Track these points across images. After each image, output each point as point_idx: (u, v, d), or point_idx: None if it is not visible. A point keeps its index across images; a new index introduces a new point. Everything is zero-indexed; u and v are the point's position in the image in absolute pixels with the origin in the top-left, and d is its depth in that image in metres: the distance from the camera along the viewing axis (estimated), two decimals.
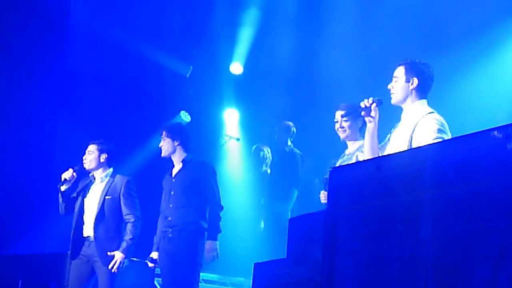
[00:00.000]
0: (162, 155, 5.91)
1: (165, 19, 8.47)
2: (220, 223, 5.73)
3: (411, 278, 2.17)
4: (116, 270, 5.56)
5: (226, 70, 8.97)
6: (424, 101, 4.24)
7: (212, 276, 7.74)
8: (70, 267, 5.71)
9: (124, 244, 5.63)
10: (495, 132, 2.03)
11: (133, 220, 5.71)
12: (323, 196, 4.97)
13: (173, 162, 5.91)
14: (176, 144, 5.86)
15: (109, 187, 5.82)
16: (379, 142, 4.30)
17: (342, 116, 4.97)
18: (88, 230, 5.73)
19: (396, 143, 4.19)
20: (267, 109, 8.68)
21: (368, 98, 4.19)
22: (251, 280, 2.99)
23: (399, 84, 4.25)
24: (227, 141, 8.93)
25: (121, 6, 8.20)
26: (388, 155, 3.83)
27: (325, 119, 6.01)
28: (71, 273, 5.70)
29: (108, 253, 5.59)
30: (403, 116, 4.28)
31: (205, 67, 8.92)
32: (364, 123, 4.37)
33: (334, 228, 2.48)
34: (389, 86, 4.30)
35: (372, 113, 4.19)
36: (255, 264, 2.89)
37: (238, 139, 8.91)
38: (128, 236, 5.66)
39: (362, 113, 4.21)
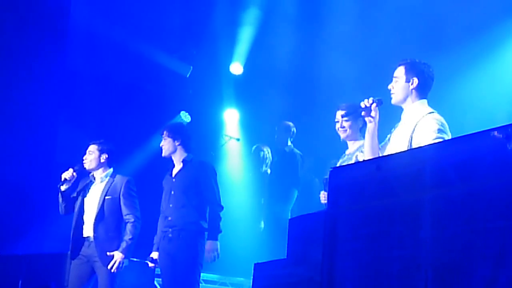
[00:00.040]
0: (163, 154, 5.91)
1: (165, 19, 8.47)
2: (221, 223, 5.73)
3: (411, 278, 2.17)
4: (115, 270, 5.55)
5: (226, 70, 8.97)
6: (424, 101, 4.24)
7: (212, 276, 7.74)
8: (70, 267, 5.71)
9: (123, 244, 5.63)
10: (495, 132, 2.03)
11: (132, 220, 5.71)
12: (323, 196, 4.98)
13: (173, 162, 5.91)
14: (177, 144, 5.86)
15: (109, 187, 5.82)
16: (379, 142, 4.30)
17: (343, 116, 4.98)
18: (88, 230, 5.73)
19: (396, 143, 4.19)
20: (267, 109, 8.68)
21: (368, 98, 4.19)
22: (251, 280, 2.98)
23: (399, 84, 4.25)
24: (227, 141, 8.93)
25: (121, 6, 8.20)
26: (388, 155, 3.83)
27: (325, 119, 6.01)
28: (71, 273, 5.70)
29: (108, 253, 5.59)
30: (403, 116, 4.28)
31: (205, 67, 8.92)
32: (365, 123, 4.37)
33: (334, 228, 2.48)
34: (389, 86, 4.30)
35: (372, 113, 4.19)
36: (255, 264, 2.89)
37: (238, 139, 8.91)
38: (127, 236, 5.66)
39: (362, 113, 4.21)
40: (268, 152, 7.99)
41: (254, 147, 8.16)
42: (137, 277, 6.34)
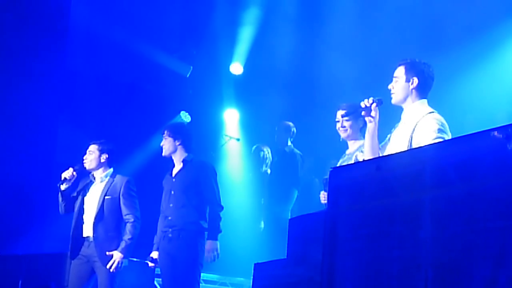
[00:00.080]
0: (163, 154, 5.91)
1: (165, 19, 8.47)
2: (220, 223, 5.73)
3: (411, 278, 2.17)
4: (114, 270, 5.55)
5: (226, 70, 8.97)
6: (425, 100, 4.24)
7: (212, 276, 7.74)
8: (70, 267, 5.71)
9: (123, 244, 5.63)
10: (495, 133, 2.03)
11: (132, 220, 5.71)
12: (323, 196, 4.98)
13: (173, 162, 5.91)
14: (177, 143, 5.86)
15: (109, 187, 5.82)
16: (380, 142, 4.30)
17: (343, 116, 4.98)
18: (87, 230, 5.73)
19: (396, 143, 4.19)
20: (267, 109, 8.68)
21: (368, 98, 4.19)
22: (251, 280, 2.99)
23: (399, 84, 4.25)
24: (227, 141, 8.92)
25: (121, 6, 8.20)
26: (388, 155, 3.83)
27: (325, 119, 6.01)
28: (71, 273, 5.70)
29: (107, 253, 5.59)
30: (403, 116, 4.28)
31: (205, 67, 8.92)
32: (365, 123, 4.37)
33: (334, 228, 2.48)
34: (390, 86, 4.30)
35: (372, 113, 4.19)
36: (255, 264, 2.89)
37: (238, 139, 8.91)
38: (127, 236, 5.66)
39: (363, 113, 4.21)
40: (268, 152, 7.99)
41: (254, 147, 8.15)
42: (137, 277, 6.34)
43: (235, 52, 8.87)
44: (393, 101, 4.30)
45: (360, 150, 4.84)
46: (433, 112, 4.15)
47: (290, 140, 7.65)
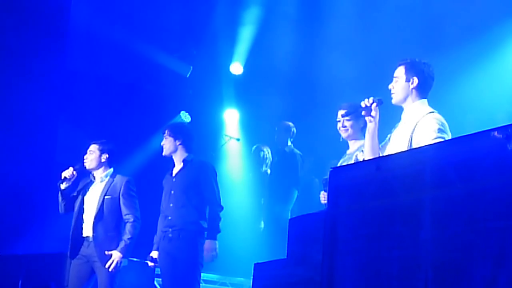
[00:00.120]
0: (164, 153, 5.91)
1: (165, 19, 8.47)
2: (220, 223, 5.73)
3: (411, 278, 2.17)
4: (113, 270, 5.55)
5: (226, 70, 8.97)
6: (425, 100, 4.24)
7: (212, 276, 7.74)
8: (70, 267, 5.71)
9: (122, 244, 5.63)
10: (495, 133, 2.03)
11: (132, 220, 5.71)
12: (323, 196, 4.98)
13: (173, 162, 5.91)
14: (178, 143, 5.87)
15: (109, 187, 5.82)
16: (380, 141, 4.30)
17: (344, 116, 4.98)
18: (87, 230, 5.73)
19: (397, 143, 4.20)
20: (267, 109, 8.68)
21: (368, 98, 4.20)
22: (251, 280, 2.99)
23: (400, 83, 4.26)
24: (227, 141, 8.92)
25: (121, 6, 8.20)
26: (388, 155, 3.83)
27: (325, 119, 6.01)
28: (71, 273, 5.70)
29: (106, 252, 5.59)
30: (403, 115, 4.28)
31: (205, 67, 8.92)
32: (366, 123, 4.37)
33: (334, 228, 2.48)
34: (390, 86, 4.31)
35: (373, 113, 4.19)
36: (255, 264, 2.89)
37: (238, 139, 8.91)
38: (126, 236, 5.66)
39: (363, 112, 4.21)
40: (268, 152, 7.99)
41: (254, 147, 8.16)
42: (137, 277, 6.34)
43: (235, 52, 8.87)
44: (393, 101, 4.30)
45: (360, 150, 4.85)
46: (433, 112, 4.15)
47: (290, 140, 7.65)
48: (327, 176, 3.31)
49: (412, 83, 4.22)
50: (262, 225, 7.82)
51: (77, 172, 5.84)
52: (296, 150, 7.58)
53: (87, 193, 5.87)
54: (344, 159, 5.09)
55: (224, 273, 7.86)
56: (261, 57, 8.78)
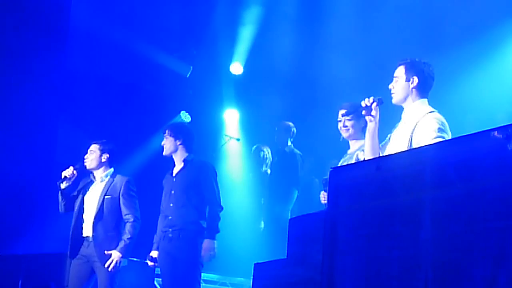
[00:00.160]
0: (164, 153, 5.91)
1: (165, 19, 8.46)
2: (219, 223, 5.72)
3: (411, 279, 2.17)
4: (112, 269, 5.55)
5: (226, 70, 8.97)
6: (425, 100, 4.25)
7: (212, 276, 7.73)
8: (70, 267, 5.71)
9: (121, 244, 5.63)
10: (496, 133, 2.03)
11: (132, 220, 5.71)
12: (323, 196, 4.98)
13: (174, 162, 5.91)
14: (178, 143, 5.87)
15: (109, 187, 5.82)
16: (380, 141, 4.30)
17: (344, 115, 4.98)
18: (87, 229, 5.73)
19: (397, 142, 4.20)
20: (267, 109, 8.67)
21: (368, 98, 4.20)
22: (251, 280, 2.99)
23: (400, 83, 4.26)
24: (227, 141, 8.92)
25: (121, 6, 8.20)
26: (388, 155, 3.83)
27: (325, 119, 6.02)
28: (71, 273, 5.70)
29: (106, 252, 5.59)
30: (403, 115, 4.28)
31: (205, 67, 8.92)
32: (367, 123, 4.37)
33: (334, 228, 2.48)
34: (390, 86, 4.31)
35: (373, 112, 4.19)
36: (255, 264, 2.89)
37: (238, 139, 8.91)
38: (126, 236, 5.66)
39: (363, 112, 4.21)
40: (268, 152, 7.99)
41: (254, 147, 8.15)
42: (137, 277, 6.34)
43: (235, 52, 8.87)
44: (393, 101, 4.30)
45: (361, 150, 4.84)
46: (433, 111, 4.15)
47: (290, 140, 7.64)
48: (327, 176, 3.31)
49: (412, 83, 4.22)
50: (262, 225, 7.82)
51: (77, 172, 5.84)
52: (296, 150, 7.58)
53: (87, 193, 5.87)
54: (345, 158, 5.09)
55: (224, 273, 7.86)
56: (261, 57, 8.77)
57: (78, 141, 6.61)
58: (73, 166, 5.83)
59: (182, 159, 5.87)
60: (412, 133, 4.07)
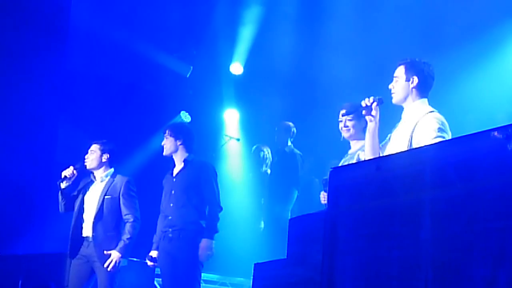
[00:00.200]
0: (164, 153, 5.92)
1: (165, 19, 8.46)
2: (218, 224, 5.72)
3: (411, 279, 2.17)
4: (112, 269, 5.55)
5: (226, 70, 8.97)
6: (425, 100, 4.25)
7: (212, 276, 7.74)
8: (70, 267, 5.71)
9: (121, 244, 5.63)
10: (496, 133, 2.03)
11: (132, 220, 5.71)
12: (323, 196, 4.98)
13: (174, 162, 5.92)
14: (178, 143, 5.87)
15: (109, 187, 5.82)
16: (380, 141, 4.30)
17: (344, 115, 4.98)
18: (87, 229, 5.73)
19: (397, 142, 4.20)
20: (267, 109, 8.68)
21: (369, 97, 4.20)
22: (251, 280, 2.98)
23: (400, 83, 4.26)
24: (227, 141, 8.92)
25: (121, 6, 8.20)
26: (388, 155, 3.83)
27: (325, 119, 6.02)
28: (71, 273, 5.70)
29: (105, 252, 5.59)
30: (403, 115, 4.29)
31: (205, 67, 8.92)
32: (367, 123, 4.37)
33: (334, 228, 2.48)
34: (390, 86, 4.31)
35: (373, 112, 4.19)
36: (255, 264, 2.89)
37: (238, 139, 8.91)
38: (125, 236, 5.66)
39: (363, 112, 4.22)
40: (268, 152, 7.99)
41: (254, 147, 8.15)
42: (137, 277, 6.34)
43: (235, 52, 8.87)
44: (393, 101, 4.30)
45: (362, 150, 4.84)
46: (433, 111, 4.15)
47: (290, 140, 7.64)
48: (327, 176, 3.31)
49: (412, 83, 4.23)
50: (262, 225, 7.82)
51: (77, 172, 5.84)
52: (296, 150, 7.58)
53: (87, 193, 5.87)
54: (346, 159, 5.09)
55: (224, 273, 7.86)
56: (261, 57, 8.77)
57: (78, 141, 6.61)
58: (73, 166, 5.83)
59: (182, 159, 5.87)
60: (412, 133, 4.07)
